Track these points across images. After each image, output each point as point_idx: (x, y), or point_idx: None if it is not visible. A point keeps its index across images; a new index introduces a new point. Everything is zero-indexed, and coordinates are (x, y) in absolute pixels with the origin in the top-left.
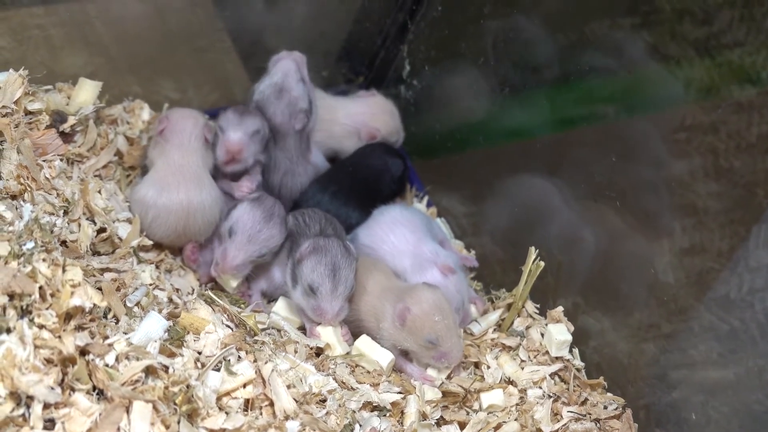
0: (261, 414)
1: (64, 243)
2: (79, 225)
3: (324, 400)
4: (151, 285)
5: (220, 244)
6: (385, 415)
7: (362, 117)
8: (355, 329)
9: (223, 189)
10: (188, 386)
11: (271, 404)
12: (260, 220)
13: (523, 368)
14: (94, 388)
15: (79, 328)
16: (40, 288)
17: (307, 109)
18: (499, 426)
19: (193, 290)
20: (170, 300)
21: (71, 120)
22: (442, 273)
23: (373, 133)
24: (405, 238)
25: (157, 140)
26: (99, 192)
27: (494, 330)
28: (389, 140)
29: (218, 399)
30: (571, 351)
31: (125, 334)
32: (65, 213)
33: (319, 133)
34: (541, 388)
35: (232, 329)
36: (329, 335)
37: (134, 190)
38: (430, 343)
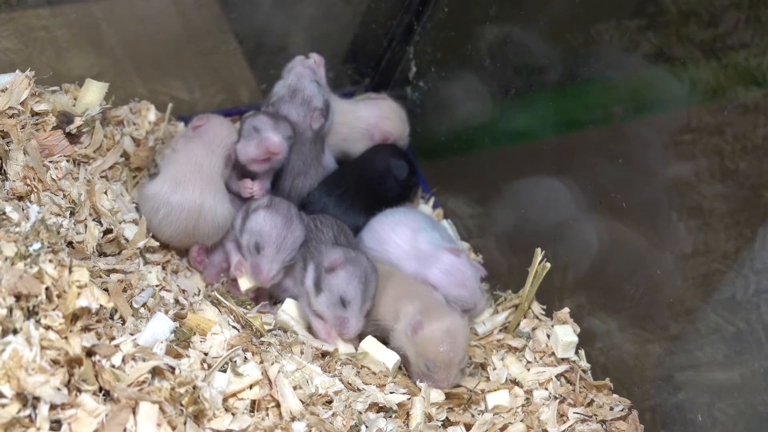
0: (267, 415)
1: (70, 244)
2: (86, 226)
3: (330, 401)
4: (157, 286)
5: (242, 254)
6: (391, 417)
7: (374, 120)
8: (369, 329)
9: (231, 189)
10: (195, 387)
11: (278, 405)
12: (283, 227)
13: (529, 369)
14: (101, 389)
15: (86, 329)
16: (47, 289)
17: (321, 108)
18: (505, 427)
19: (200, 291)
20: (177, 301)
21: (78, 121)
22: (455, 254)
23: (386, 135)
24: (407, 237)
25: (187, 134)
26: (105, 193)
27: (500, 331)
28: (398, 143)
29: (225, 400)
30: (577, 352)
31: (132, 335)
32: (72, 214)
33: (331, 136)
34: (547, 389)
35: (238, 330)
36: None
37: (146, 186)
38: (426, 367)
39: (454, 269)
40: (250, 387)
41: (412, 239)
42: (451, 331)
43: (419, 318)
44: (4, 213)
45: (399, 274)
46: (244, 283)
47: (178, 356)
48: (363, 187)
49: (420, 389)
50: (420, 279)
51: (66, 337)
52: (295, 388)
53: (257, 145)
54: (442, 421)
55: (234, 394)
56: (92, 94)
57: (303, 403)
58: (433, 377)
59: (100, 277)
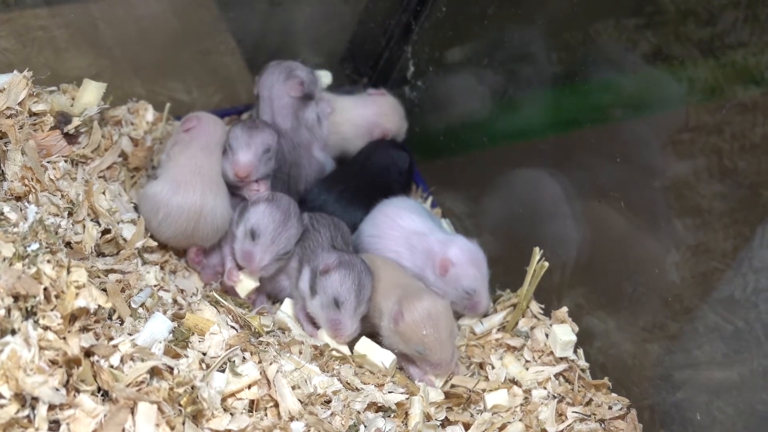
0: (266, 415)
1: (68, 244)
2: (84, 226)
3: (329, 401)
4: (155, 286)
5: (235, 246)
6: (389, 416)
7: (374, 118)
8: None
9: (233, 190)
10: (193, 387)
11: (276, 405)
12: (280, 221)
13: (527, 369)
14: (99, 389)
15: (84, 329)
16: (45, 289)
17: (303, 80)
18: (503, 426)
19: (198, 291)
20: (175, 301)
21: (75, 121)
22: (470, 240)
23: (385, 133)
24: (413, 221)
25: (181, 138)
26: (103, 193)
27: (498, 330)
28: (396, 138)
29: (223, 400)
30: (575, 351)
31: (130, 335)
32: (70, 214)
33: (332, 136)
34: (545, 388)
35: (236, 330)
36: (328, 338)
37: (147, 187)
38: (418, 352)
39: (473, 249)
40: (249, 387)
41: (417, 222)
42: (431, 313)
43: (397, 308)
44: (2, 213)
45: (385, 269)
46: (243, 290)
47: (177, 356)
48: (364, 184)
49: (419, 389)
50: (434, 260)
51: (64, 338)
52: (293, 387)
53: (229, 169)
54: (441, 420)
55: (232, 394)
56: (90, 94)
57: (301, 402)
58: (431, 361)
59: (99, 277)
